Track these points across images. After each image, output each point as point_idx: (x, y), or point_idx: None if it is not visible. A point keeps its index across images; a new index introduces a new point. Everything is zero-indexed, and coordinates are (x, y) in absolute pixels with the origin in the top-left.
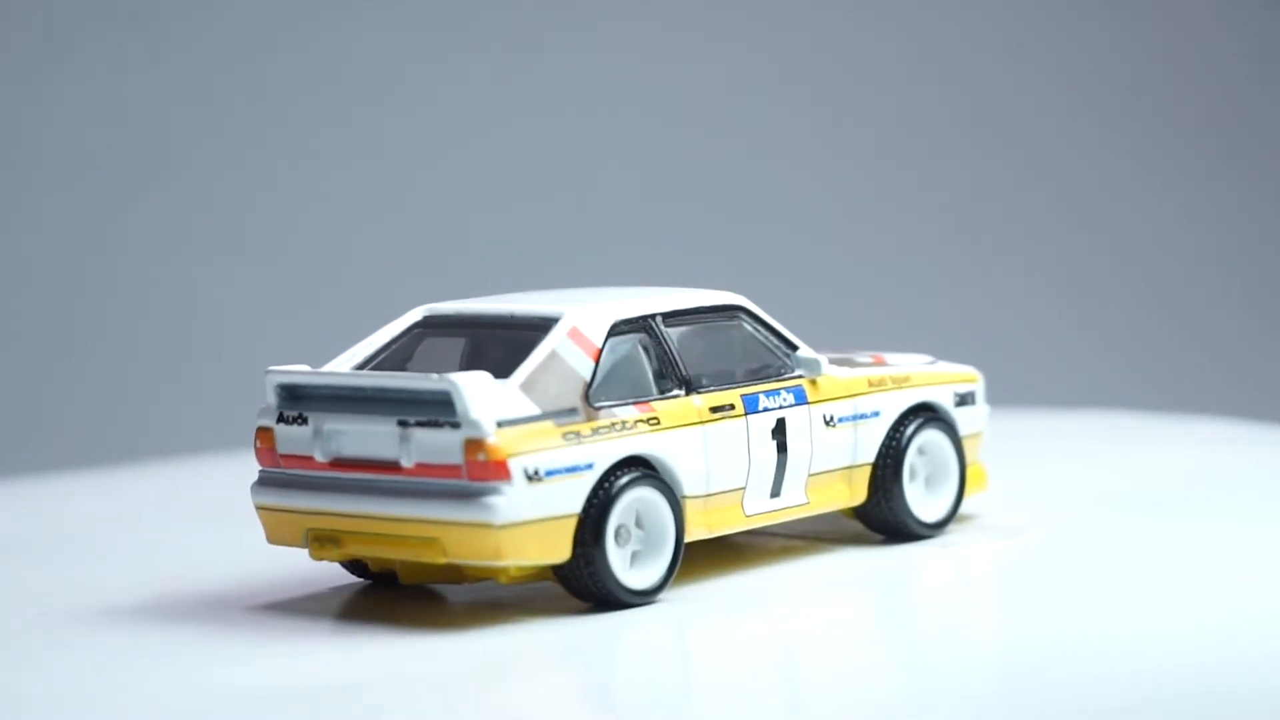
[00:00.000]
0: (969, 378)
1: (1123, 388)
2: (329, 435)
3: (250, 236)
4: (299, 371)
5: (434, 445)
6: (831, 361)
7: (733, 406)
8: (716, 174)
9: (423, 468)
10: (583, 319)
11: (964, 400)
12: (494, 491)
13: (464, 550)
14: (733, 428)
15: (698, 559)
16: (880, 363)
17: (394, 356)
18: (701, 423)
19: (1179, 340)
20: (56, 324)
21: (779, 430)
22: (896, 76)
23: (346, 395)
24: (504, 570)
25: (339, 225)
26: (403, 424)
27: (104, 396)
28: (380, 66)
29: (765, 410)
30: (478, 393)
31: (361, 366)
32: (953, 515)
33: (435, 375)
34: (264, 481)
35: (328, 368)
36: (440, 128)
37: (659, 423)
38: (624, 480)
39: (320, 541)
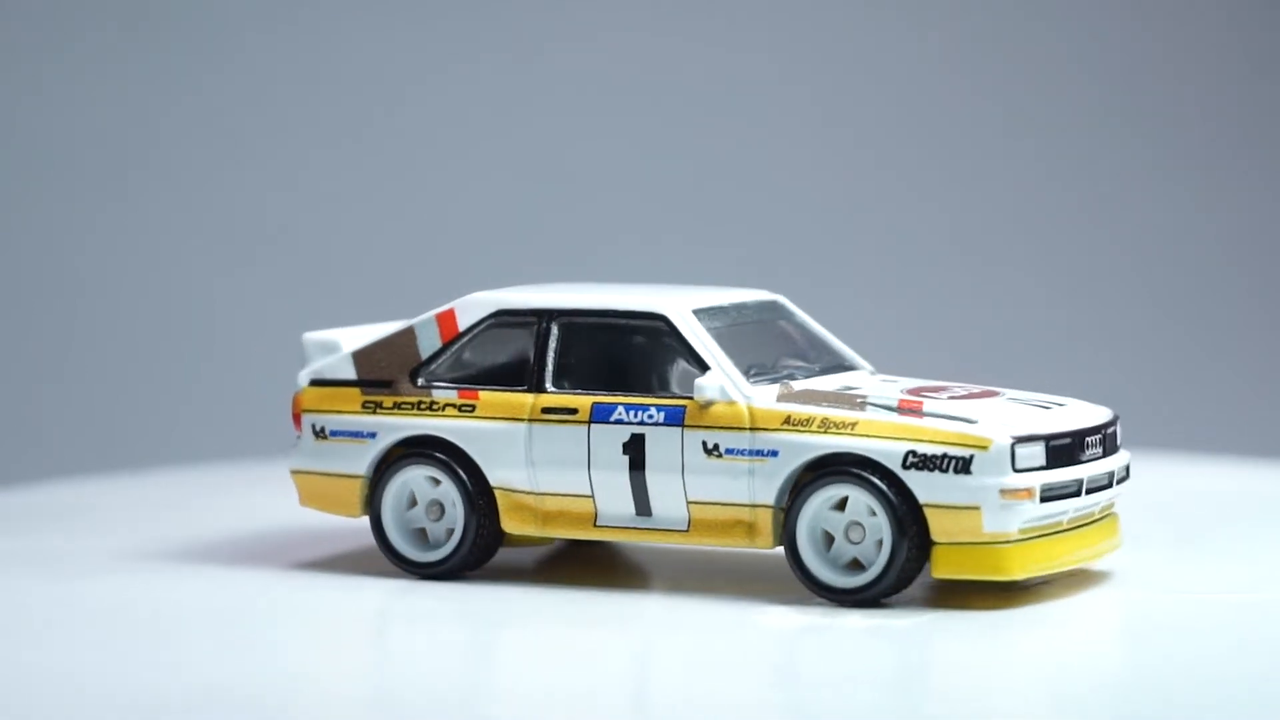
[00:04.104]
0: (965, 440)
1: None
2: None
3: (250, 235)
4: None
5: None
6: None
7: (575, 411)
8: (770, 169)
9: None
10: (463, 304)
11: (932, 463)
12: (293, 443)
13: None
14: (567, 433)
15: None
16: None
17: None
18: (529, 420)
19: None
20: (58, 325)
21: (634, 446)
22: (918, 70)
23: None
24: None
25: (350, 222)
26: None
27: (110, 399)
28: (379, 65)
29: (618, 422)
30: (316, 350)
31: None
32: (866, 589)
33: (308, 334)
34: None
35: None
36: (455, 123)
37: (473, 410)
38: (403, 455)
39: None
